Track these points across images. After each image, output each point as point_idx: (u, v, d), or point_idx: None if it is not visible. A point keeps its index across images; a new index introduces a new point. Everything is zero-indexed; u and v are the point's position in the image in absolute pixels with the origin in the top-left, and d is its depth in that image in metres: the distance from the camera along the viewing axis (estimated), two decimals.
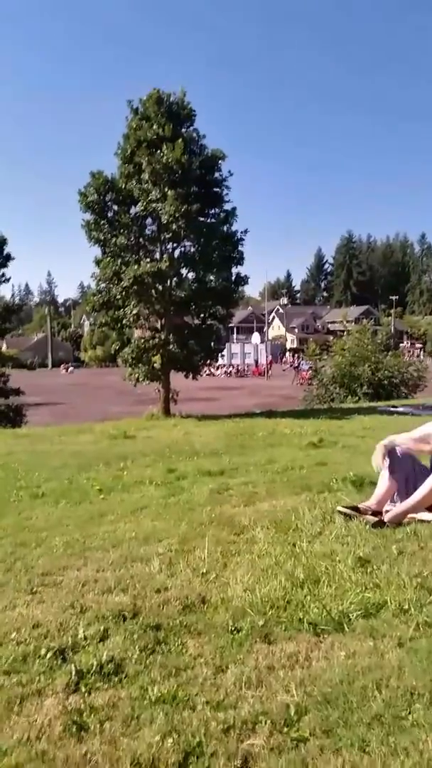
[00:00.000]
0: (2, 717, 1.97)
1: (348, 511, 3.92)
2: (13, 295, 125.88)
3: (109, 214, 15.24)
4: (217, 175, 15.72)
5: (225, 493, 5.05)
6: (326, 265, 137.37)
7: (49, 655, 2.30)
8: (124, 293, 14.94)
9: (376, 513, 3.87)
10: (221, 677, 2.13)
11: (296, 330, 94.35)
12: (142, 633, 2.46)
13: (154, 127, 14.69)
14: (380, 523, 3.75)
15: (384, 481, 3.98)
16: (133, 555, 3.48)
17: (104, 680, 2.14)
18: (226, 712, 1.92)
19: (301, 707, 1.92)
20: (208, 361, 17.46)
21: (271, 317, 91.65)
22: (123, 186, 14.97)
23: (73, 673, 2.18)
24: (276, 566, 3.11)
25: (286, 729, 1.83)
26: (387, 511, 3.88)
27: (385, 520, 3.78)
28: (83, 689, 2.09)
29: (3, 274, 21.42)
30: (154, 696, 2.02)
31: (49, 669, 2.23)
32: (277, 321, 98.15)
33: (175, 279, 15.75)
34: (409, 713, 1.87)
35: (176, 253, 15.75)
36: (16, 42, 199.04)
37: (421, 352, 65.51)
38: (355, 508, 3.93)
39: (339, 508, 4.04)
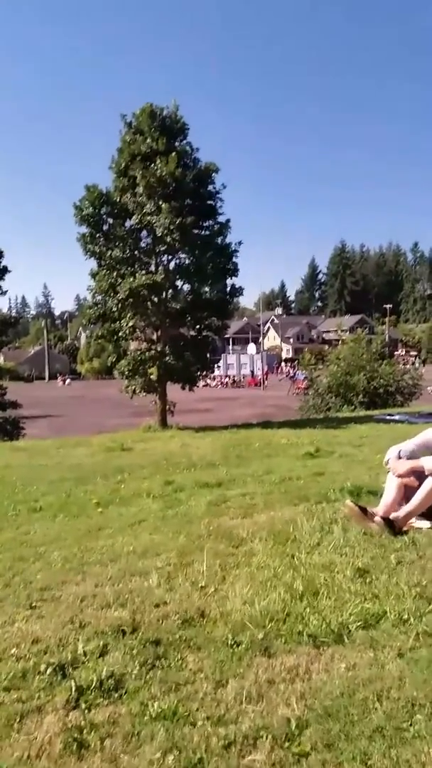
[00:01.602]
0: (2, 734, 1.96)
1: (356, 508, 3.89)
2: (9, 307, 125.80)
3: (105, 227, 15.32)
4: (210, 187, 15.83)
5: (223, 505, 5.05)
6: (320, 275, 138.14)
7: (48, 671, 2.29)
8: (120, 305, 15.00)
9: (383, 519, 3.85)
10: (221, 692, 2.13)
11: (291, 340, 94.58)
12: (141, 648, 2.45)
13: (148, 140, 14.82)
14: (390, 525, 3.74)
15: (391, 488, 3.98)
16: (131, 569, 3.47)
17: (104, 696, 2.13)
18: (226, 727, 1.92)
19: (302, 721, 1.92)
20: (204, 373, 17.46)
21: (266, 328, 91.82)
22: (118, 199, 15.07)
23: (73, 689, 2.17)
24: (275, 578, 3.11)
25: (287, 744, 1.82)
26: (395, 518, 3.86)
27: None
28: (83, 706, 2.08)
29: (0, 287, 21.48)
30: (154, 712, 2.01)
31: (49, 685, 2.22)
32: (272, 331, 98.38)
33: (170, 291, 15.82)
34: (411, 725, 1.87)
35: (171, 265, 15.84)
36: (14, 48, 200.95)
37: (416, 360, 65.71)
38: (363, 509, 3.92)
39: (347, 501, 4.02)
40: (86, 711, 2.05)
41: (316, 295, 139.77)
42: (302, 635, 2.47)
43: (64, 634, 2.62)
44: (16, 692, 2.19)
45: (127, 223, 15.48)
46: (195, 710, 2.02)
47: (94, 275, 15.48)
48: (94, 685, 2.18)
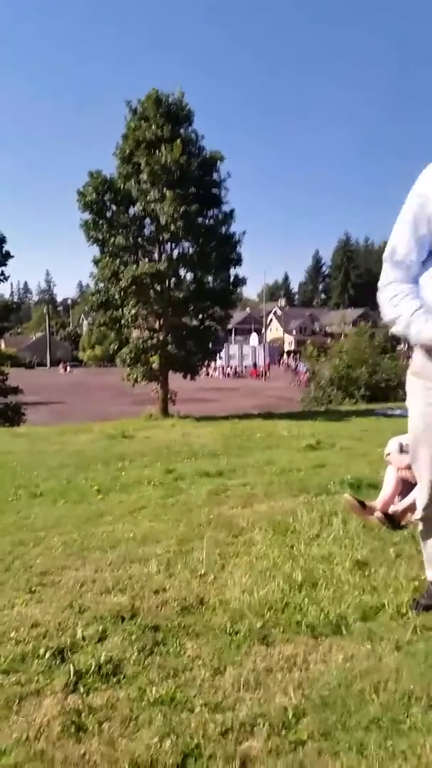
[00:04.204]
0: (1, 717, 1.97)
1: (354, 501, 3.91)
2: (12, 293, 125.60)
3: (108, 214, 15.24)
4: (215, 176, 15.76)
5: (223, 494, 5.06)
6: (324, 268, 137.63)
7: (47, 655, 2.31)
8: (122, 293, 14.96)
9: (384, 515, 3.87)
10: (219, 679, 2.14)
11: (294, 332, 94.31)
12: (140, 634, 2.46)
13: (153, 127, 14.71)
14: (390, 519, 3.75)
15: (390, 482, 3.99)
16: (131, 555, 3.48)
17: (103, 681, 2.15)
18: (224, 714, 1.93)
19: (299, 710, 1.93)
20: (206, 362, 17.44)
21: (269, 319, 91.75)
22: (122, 186, 14.97)
23: (72, 673, 2.18)
24: (274, 568, 3.12)
25: (284, 732, 1.83)
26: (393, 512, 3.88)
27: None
28: (82, 689, 2.10)
29: (2, 273, 21.36)
30: (152, 697, 2.03)
31: (48, 669, 2.23)
32: (275, 323, 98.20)
33: (173, 280, 15.77)
34: (407, 717, 1.88)
35: (175, 253, 15.76)
36: (17, 36, 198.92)
37: None
38: (362, 503, 3.93)
39: (346, 495, 4.03)
40: (84, 695, 2.07)
41: (320, 287, 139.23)
42: (300, 625, 2.48)
43: (64, 619, 2.64)
44: (15, 675, 2.20)
45: (131, 211, 15.40)
46: (193, 696, 2.03)
47: (96, 262, 15.43)
48: (92, 669, 2.19)
